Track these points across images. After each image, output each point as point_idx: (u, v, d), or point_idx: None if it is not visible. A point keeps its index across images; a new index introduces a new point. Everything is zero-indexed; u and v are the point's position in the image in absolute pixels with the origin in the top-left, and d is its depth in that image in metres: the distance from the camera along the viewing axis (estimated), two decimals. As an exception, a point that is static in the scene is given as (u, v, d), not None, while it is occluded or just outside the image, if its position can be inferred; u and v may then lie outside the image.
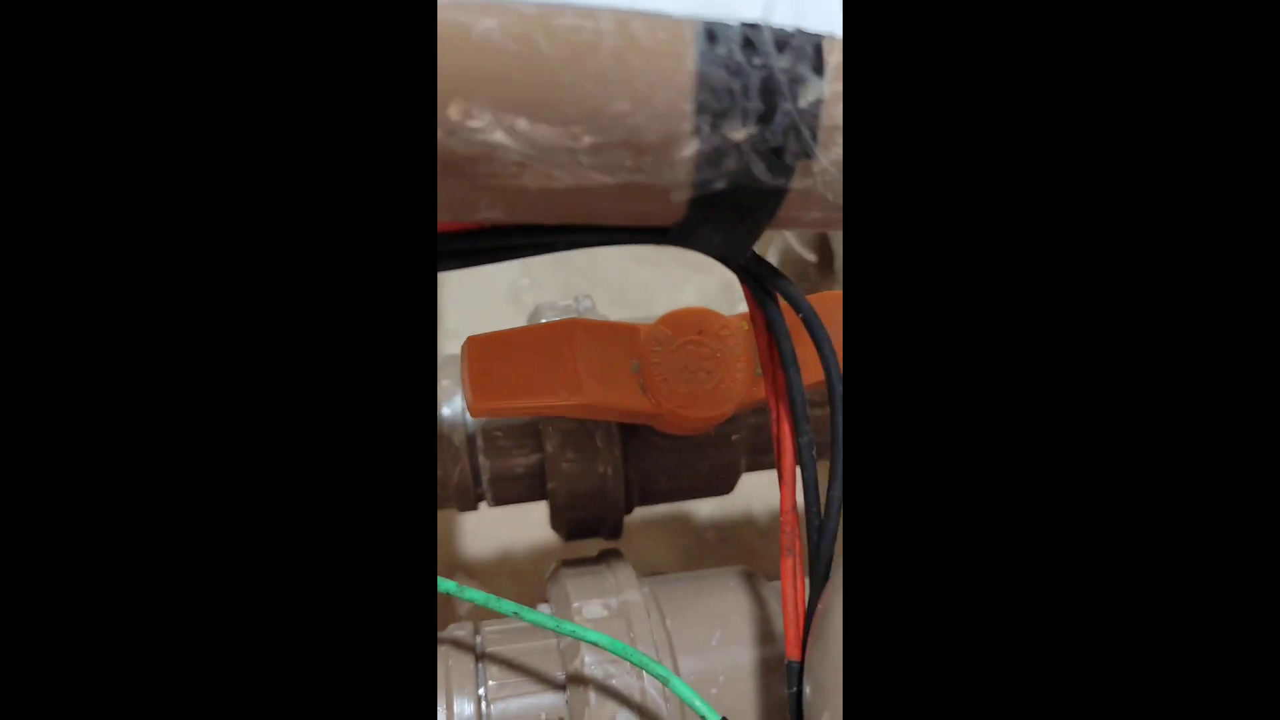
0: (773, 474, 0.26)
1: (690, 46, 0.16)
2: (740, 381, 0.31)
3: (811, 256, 0.54)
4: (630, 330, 0.32)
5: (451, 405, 0.37)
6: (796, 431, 0.21)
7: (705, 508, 0.62)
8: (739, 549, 0.62)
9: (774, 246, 0.67)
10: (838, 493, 0.21)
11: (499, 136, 0.16)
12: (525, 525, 0.61)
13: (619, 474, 0.36)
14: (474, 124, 0.15)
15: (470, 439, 0.37)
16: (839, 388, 0.21)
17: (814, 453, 0.22)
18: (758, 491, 0.53)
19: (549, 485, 0.36)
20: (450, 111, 0.15)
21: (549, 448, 0.35)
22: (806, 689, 0.20)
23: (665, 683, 0.25)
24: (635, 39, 0.15)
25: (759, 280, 0.21)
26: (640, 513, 0.62)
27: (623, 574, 0.33)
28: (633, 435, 0.36)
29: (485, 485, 0.37)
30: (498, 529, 0.62)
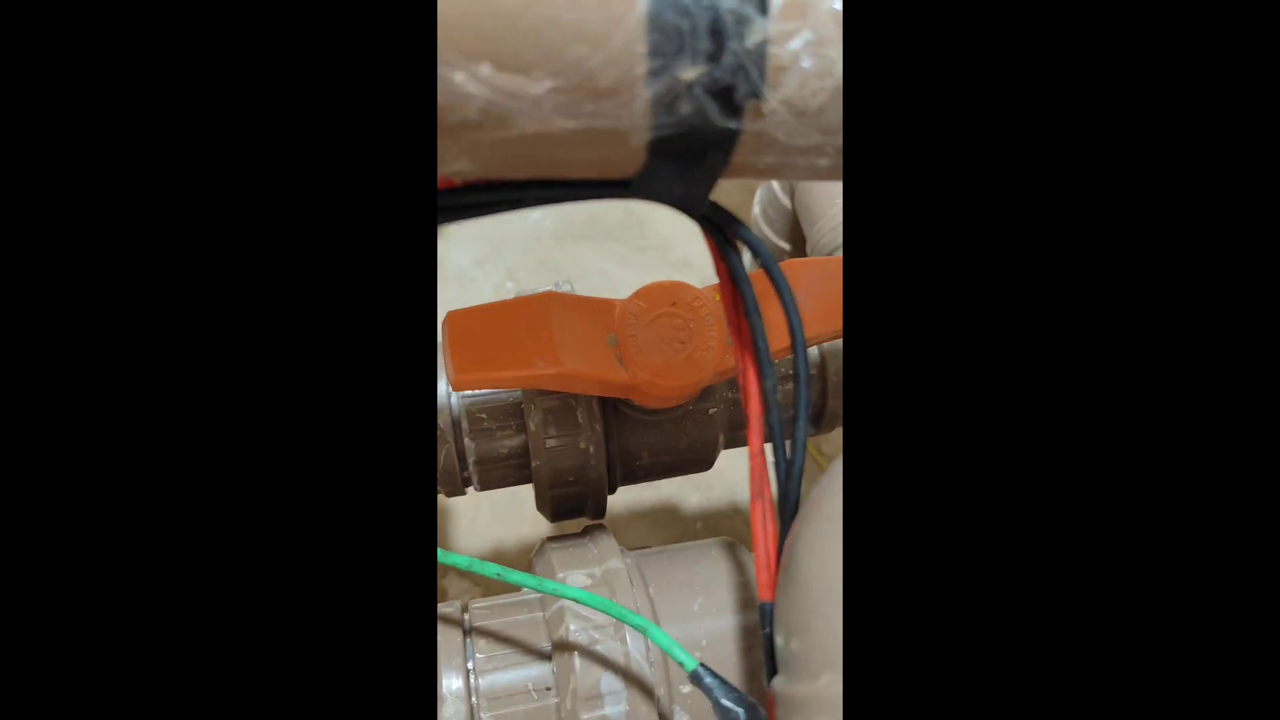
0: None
1: (639, -8, 0.17)
2: (714, 350, 0.32)
3: (785, 245, 0.55)
4: (606, 305, 0.33)
5: (441, 384, 0.38)
6: (761, 377, 0.22)
7: (693, 498, 0.63)
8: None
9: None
10: (803, 434, 0.22)
11: (464, 82, 0.17)
12: (516, 521, 0.61)
13: (601, 450, 0.36)
14: (456, 89, 0.16)
15: (455, 422, 0.37)
16: (799, 327, 0.22)
17: (779, 397, 0.22)
18: (743, 482, 0.54)
19: (534, 464, 0.37)
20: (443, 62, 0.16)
21: (532, 426, 0.36)
22: (779, 617, 0.20)
23: (644, 632, 0.25)
24: (588, -13, 0.16)
25: (720, 229, 0.22)
26: (628, 504, 0.63)
27: (606, 545, 0.34)
28: (613, 412, 0.37)
29: (472, 468, 0.38)
30: (488, 526, 0.62)
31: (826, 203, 0.43)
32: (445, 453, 0.37)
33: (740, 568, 0.34)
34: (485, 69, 0.16)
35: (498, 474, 0.39)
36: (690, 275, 0.77)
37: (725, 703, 0.23)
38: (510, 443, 0.38)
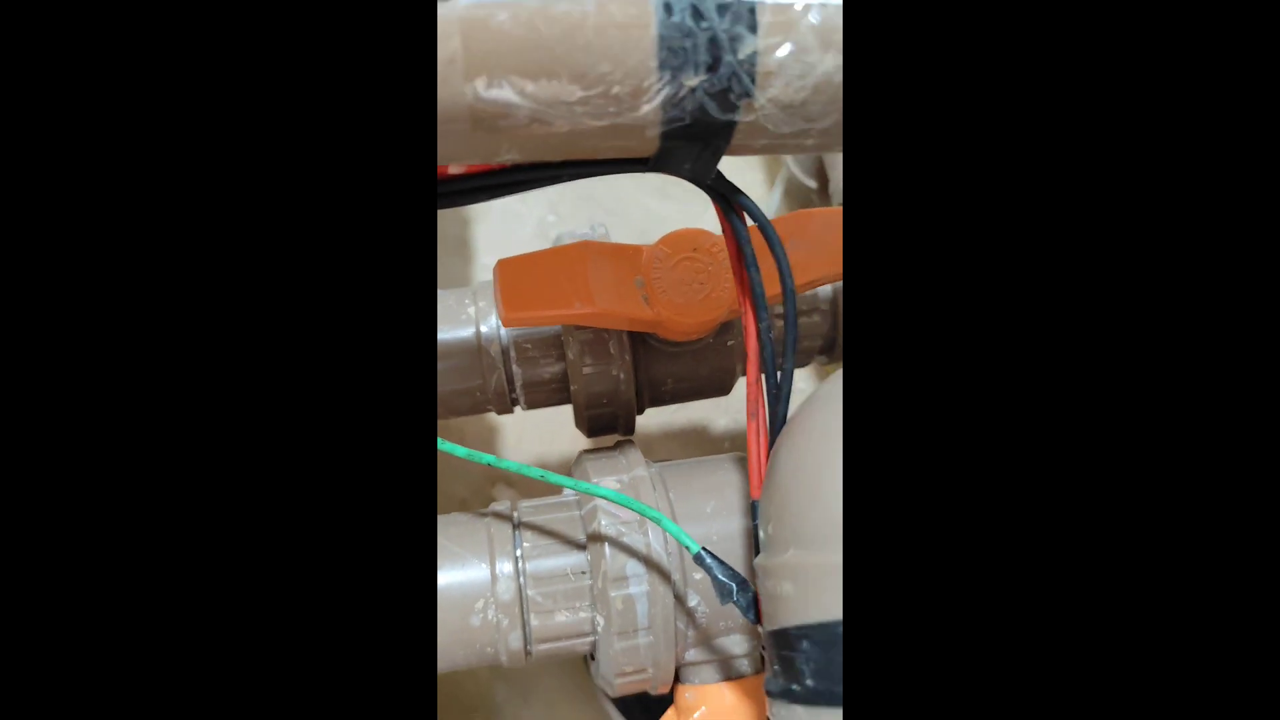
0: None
1: (652, 18, 0.21)
2: (729, 290, 0.37)
3: (812, 183, 0.58)
4: (635, 251, 0.38)
5: (488, 323, 0.43)
6: (758, 319, 0.27)
7: (721, 421, 0.68)
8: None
9: (780, 177, 0.72)
10: (790, 365, 0.27)
11: (513, 97, 0.21)
12: (556, 439, 0.68)
13: (630, 377, 0.42)
14: (494, 92, 0.21)
15: (504, 351, 0.43)
16: (789, 275, 0.26)
17: (771, 335, 0.27)
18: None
19: (572, 388, 0.42)
20: (477, 84, 0.21)
21: (570, 355, 0.41)
22: (762, 512, 0.26)
23: (658, 522, 0.31)
24: (611, 16, 0.21)
25: (724, 197, 0.26)
26: (662, 425, 0.68)
27: (633, 456, 0.40)
28: (642, 344, 0.42)
29: (519, 391, 0.44)
30: (533, 444, 0.69)
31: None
32: (496, 377, 0.43)
33: (748, 479, 0.40)
34: (530, 85, 0.21)
35: (541, 396, 0.44)
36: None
37: (721, 578, 0.28)
38: (552, 369, 0.43)
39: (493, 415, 0.50)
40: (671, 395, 0.45)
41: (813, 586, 0.22)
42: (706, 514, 0.38)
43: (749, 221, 0.27)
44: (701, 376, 0.43)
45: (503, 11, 0.20)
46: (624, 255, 0.37)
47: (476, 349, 0.43)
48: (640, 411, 0.45)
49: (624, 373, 0.42)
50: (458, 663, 0.37)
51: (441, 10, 0.20)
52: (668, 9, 0.21)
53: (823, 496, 0.23)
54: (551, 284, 0.35)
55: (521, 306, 0.35)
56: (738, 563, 0.37)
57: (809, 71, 0.22)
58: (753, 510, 0.27)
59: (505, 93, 0.21)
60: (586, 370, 0.42)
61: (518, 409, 0.46)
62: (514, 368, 0.43)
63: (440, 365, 0.43)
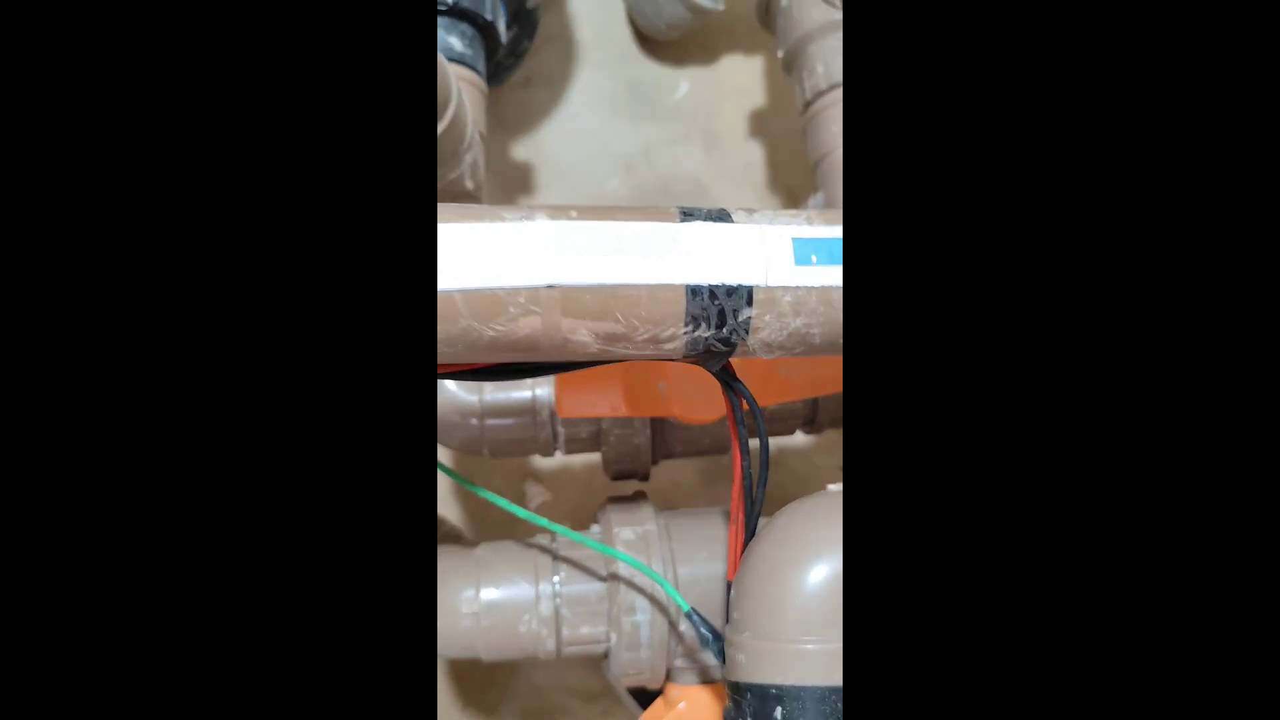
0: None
1: (682, 298, 0.32)
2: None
3: None
4: (661, 365, 0.49)
5: (542, 388, 0.55)
6: (742, 461, 0.39)
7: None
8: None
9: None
10: (760, 495, 0.39)
11: (588, 337, 0.32)
12: (589, 472, 0.80)
13: (648, 443, 0.54)
14: (578, 336, 0.32)
15: (552, 414, 0.55)
16: (746, 456, 0.38)
17: (751, 471, 0.39)
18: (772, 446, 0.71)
19: (602, 449, 0.54)
20: (563, 327, 0.32)
21: (603, 425, 0.53)
22: (733, 594, 0.38)
23: (660, 584, 0.43)
24: (658, 296, 0.32)
25: (726, 382, 0.37)
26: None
27: (645, 511, 0.52)
28: (660, 420, 0.54)
29: (560, 442, 0.56)
30: (572, 476, 0.81)
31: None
32: (545, 433, 0.55)
33: (733, 534, 0.52)
34: (603, 328, 0.32)
35: (577, 447, 0.56)
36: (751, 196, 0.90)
37: (703, 632, 0.41)
38: (588, 429, 0.55)
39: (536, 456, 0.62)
40: (680, 454, 0.57)
41: (758, 661, 0.35)
42: (700, 559, 0.50)
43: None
44: (704, 444, 0.55)
45: (588, 295, 0.31)
46: (652, 367, 0.49)
47: (532, 409, 0.55)
48: (654, 464, 0.57)
49: (644, 440, 0.54)
50: (507, 656, 0.50)
51: (544, 294, 0.31)
52: (693, 292, 0.32)
53: (772, 606, 0.35)
54: (596, 389, 0.47)
55: (572, 410, 0.47)
56: (717, 599, 0.50)
57: (785, 328, 0.34)
58: (727, 587, 0.39)
59: (582, 335, 0.32)
60: (615, 436, 0.53)
61: (557, 453, 0.58)
62: (559, 427, 0.55)
63: (502, 420, 0.55)
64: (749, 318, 0.33)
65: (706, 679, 0.50)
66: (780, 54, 0.65)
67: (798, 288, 0.33)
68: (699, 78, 0.91)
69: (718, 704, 0.50)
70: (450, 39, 0.57)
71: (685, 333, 0.33)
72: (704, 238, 0.32)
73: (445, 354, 0.32)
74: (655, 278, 0.32)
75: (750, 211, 0.34)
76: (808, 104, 0.60)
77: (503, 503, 0.44)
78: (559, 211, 0.32)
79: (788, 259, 0.33)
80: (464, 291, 0.30)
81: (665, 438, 0.55)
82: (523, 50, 0.78)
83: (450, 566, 0.50)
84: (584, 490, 0.78)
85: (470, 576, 0.49)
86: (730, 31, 0.91)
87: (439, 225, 0.30)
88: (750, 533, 0.39)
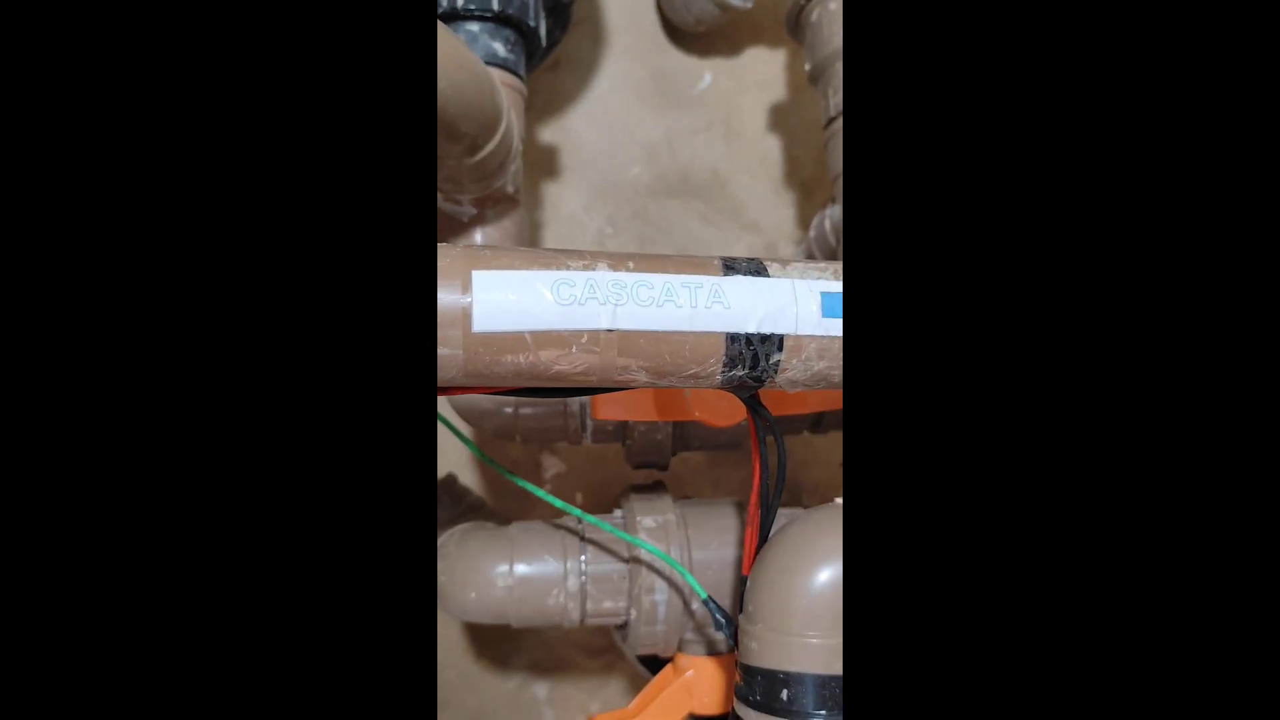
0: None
1: (722, 343, 0.37)
2: (747, 407, 0.54)
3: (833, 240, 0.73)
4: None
5: (570, 383, 0.60)
6: (762, 474, 0.44)
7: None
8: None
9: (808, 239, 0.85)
10: (776, 501, 0.44)
11: (637, 373, 0.37)
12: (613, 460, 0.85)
13: (669, 439, 0.59)
14: (629, 372, 0.37)
15: (582, 407, 0.60)
16: (783, 453, 0.43)
17: (769, 482, 0.44)
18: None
19: (626, 442, 0.60)
20: (617, 364, 0.37)
21: (629, 421, 0.58)
22: (748, 589, 0.44)
23: (679, 571, 0.49)
24: (702, 341, 0.36)
25: (752, 406, 0.42)
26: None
27: (665, 501, 0.57)
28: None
29: (588, 434, 0.61)
30: (596, 461, 0.86)
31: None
32: (574, 423, 0.60)
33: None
34: (652, 365, 0.37)
35: (603, 437, 0.62)
36: (757, 237, 0.95)
37: (717, 617, 0.47)
38: (614, 424, 0.60)
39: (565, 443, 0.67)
40: (698, 448, 0.62)
41: (769, 649, 0.40)
42: (713, 547, 0.56)
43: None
44: (721, 442, 0.61)
45: (641, 339, 0.36)
46: (678, 372, 0.54)
47: (563, 401, 0.60)
48: (674, 455, 0.62)
49: (664, 435, 0.59)
50: (535, 624, 0.56)
51: (604, 336, 0.36)
52: (731, 338, 0.37)
53: (782, 602, 0.40)
54: (630, 397, 0.52)
55: (607, 414, 0.52)
56: (729, 585, 0.56)
57: (809, 369, 0.38)
58: (741, 581, 0.45)
59: (634, 372, 0.37)
60: (639, 433, 0.59)
61: (585, 441, 0.63)
62: (588, 420, 0.60)
63: (536, 409, 0.60)
64: (778, 360, 0.38)
65: (713, 651, 0.56)
66: (807, 67, 0.68)
67: (823, 336, 0.37)
68: (722, 69, 0.94)
69: (722, 674, 0.56)
70: (494, 44, 0.60)
71: (723, 371, 0.38)
72: (744, 292, 0.37)
73: (510, 381, 0.36)
74: (701, 326, 0.36)
75: (784, 264, 0.39)
76: (831, 120, 0.64)
77: (539, 492, 0.49)
78: (619, 262, 0.36)
79: (815, 311, 0.37)
80: (533, 332, 0.35)
81: (684, 434, 0.60)
82: (556, 40, 0.81)
83: (485, 543, 0.56)
84: (599, 464, 0.83)
85: (504, 553, 0.55)
86: (755, 25, 0.94)
87: (515, 271, 0.35)
88: (764, 535, 0.45)
